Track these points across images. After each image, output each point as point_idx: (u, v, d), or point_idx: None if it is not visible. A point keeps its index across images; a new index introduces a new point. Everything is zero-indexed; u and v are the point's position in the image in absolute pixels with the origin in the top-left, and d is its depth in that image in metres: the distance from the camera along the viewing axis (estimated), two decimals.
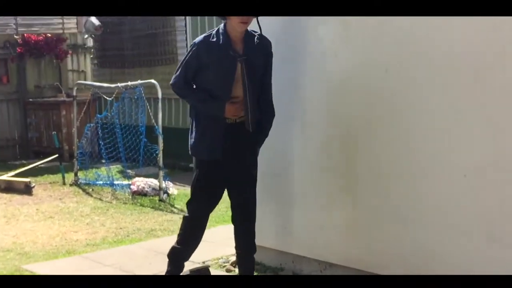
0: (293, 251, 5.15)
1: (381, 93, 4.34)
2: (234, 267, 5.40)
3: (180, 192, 8.72)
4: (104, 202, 8.44)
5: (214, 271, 5.39)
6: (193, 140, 4.52)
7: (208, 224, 7.06)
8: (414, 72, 4.18)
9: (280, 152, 5.12)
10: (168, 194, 8.41)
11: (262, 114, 4.44)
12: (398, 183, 4.31)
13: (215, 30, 4.36)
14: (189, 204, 4.71)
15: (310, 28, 4.72)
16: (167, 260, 5.71)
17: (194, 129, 4.53)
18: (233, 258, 5.52)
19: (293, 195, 5.11)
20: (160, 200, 8.23)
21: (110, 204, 8.35)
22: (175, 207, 7.98)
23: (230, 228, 6.58)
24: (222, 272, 5.37)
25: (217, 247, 6.02)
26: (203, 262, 5.59)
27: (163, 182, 8.41)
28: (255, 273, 4.90)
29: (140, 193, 8.55)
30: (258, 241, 4.87)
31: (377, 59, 4.37)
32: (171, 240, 6.50)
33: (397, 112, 4.27)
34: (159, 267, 5.54)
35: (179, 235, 4.79)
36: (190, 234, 4.72)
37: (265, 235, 5.11)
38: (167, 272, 4.76)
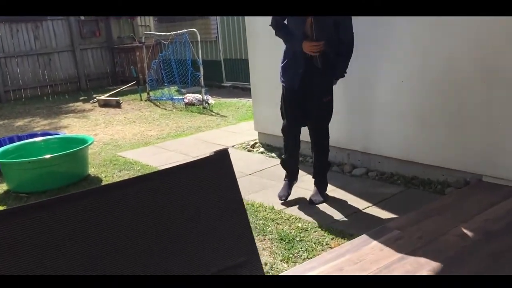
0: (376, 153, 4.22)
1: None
2: (253, 148, 5.40)
3: (216, 102, 8.64)
4: (167, 111, 8.39)
5: (239, 151, 5.40)
6: (280, 71, 3.67)
7: (233, 121, 7.09)
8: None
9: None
10: (208, 103, 8.34)
11: (338, 54, 3.51)
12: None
13: None
14: (283, 121, 3.84)
15: None
16: (209, 145, 5.75)
17: (282, 63, 3.65)
18: (252, 142, 5.52)
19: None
20: (203, 107, 8.15)
21: (171, 111, 8.29)
22: (213, 111, 7.92)
23: (249, 124, 6.57)
24: (245, 151, 5.36)
25: (241, 136, 5.98)
26: (232, 146, 5.59)
27: (204, 95, 8.33)
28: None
29: (190, 104, 8.46)
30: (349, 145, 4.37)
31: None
32: (212, 132, 6.51)
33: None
34: (203, 149, 5.56)
35: (284, 148, 3.96)
36: (289, 145, 3.87)
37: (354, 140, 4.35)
38: (285, 178, 3.93)
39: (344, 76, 3.60)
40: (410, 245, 2.57)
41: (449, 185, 3.65)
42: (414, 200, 3.58)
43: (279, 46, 3.72)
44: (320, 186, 3.82)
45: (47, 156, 4.56)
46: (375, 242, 2.64)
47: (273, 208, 3.65)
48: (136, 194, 1.16)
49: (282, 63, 3.66)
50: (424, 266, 2.34)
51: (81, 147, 4.76)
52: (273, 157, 5.00)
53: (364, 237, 2.73)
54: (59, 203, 1.18)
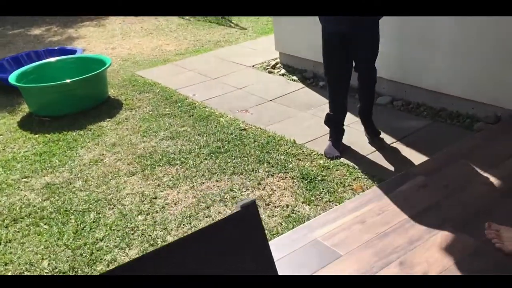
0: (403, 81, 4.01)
1: None
2: (273, 69, 5.20)
3: None
4: (185, 20, 8.06)
5: (259, 72, 5.23)
6: None
7: (253, 35, 6.78)
8: None
9: None
10: None
11: None
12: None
13: None
14: (325, 71, 3.34)
15: None
16: (229, 64, 5.55)
17: None
18: (273, 62, 5.31)
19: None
20: (222, 17, 7.80)
21: (189, 21, 7.96)
22: (232, 22, 7.58)
23: (269, 39, 6.29)
24: (265, 73, 5.17)
25: (261, 54, 5.74)
26: (252, 66, 5.39)
27: None
28: None
29: None
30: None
31: None
32: (231, 49, 6.25)
33: None
34: (223, 70, 5.39)
35: (329, 102, 3.43)
36: (335, 99, 3.37)
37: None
38: (330, 137, 3.46)
39: None
40: (435, 194, 2.51)
41: (479, 120, 3.50)
42: (441, 135, 3.47)
43: None
44: (369, 117, 3.51)
45: (68, 80, 4.47)
46: (398, 190, 2.57)
47: (294, 142, 3.58)
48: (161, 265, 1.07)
49: None
50: (447, 221, 2.29)
51: (101, 70, 4.65)
52: (294, 80, 4.83)
53: (387, 183, 2.67)
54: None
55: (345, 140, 3.50)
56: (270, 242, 2.30)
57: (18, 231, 2.88)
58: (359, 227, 2.32)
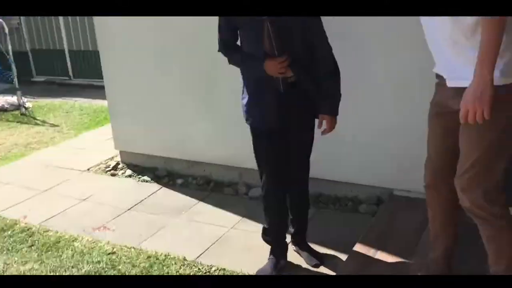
0: None
1: None
2: (115, 170, 4.52)
3: (33, 104, 7.19)
4: None
5: (99, 176, 4.48)
6: (245, 105, 2.62)
7: (71, 132, 5.92)
8: None
9: None
10: (26, 108, 6.87)
11: (319, 73, 2.50)
12: None
13: None
14: (261, 180, 2.77)
15: None
16: (55, 169, 4.61)
17: (245, 90, 2.63)
18: (113, 163, 4.62)
19: None
20: (21, 114, 6.71)
21: None
22: (37, 119, 6.55)
23: (93, 134, 5.58)
24: (107, 176, 4.44)
25: (92, 154, 4.95)
26: (88, 170, 4.60)
27: (21, 98, 6.84)
28: None
29: (1, 110, 6.91)
30: None
31: None
32: (50, 151, 5.25)
33: None
34: (53, 177, 4.45)
35: (265, 215, 2.89)
36: (273, 211, 2.84)
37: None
38: (271, 252, 2.91)
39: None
40: None
41: (361, 202, 3.50)
42: (336, 224, 3.32)
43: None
44: (306, 242, 3.02)
45: None
46: None
47: (184, 259, 3.02)
48: None
49: (242, 98, 2.66)
50: None
51: None
52: (146, 181, 4.25)
53: None
54: None
55: (246, 246, 3.09)
56: None
57: None
58: None
